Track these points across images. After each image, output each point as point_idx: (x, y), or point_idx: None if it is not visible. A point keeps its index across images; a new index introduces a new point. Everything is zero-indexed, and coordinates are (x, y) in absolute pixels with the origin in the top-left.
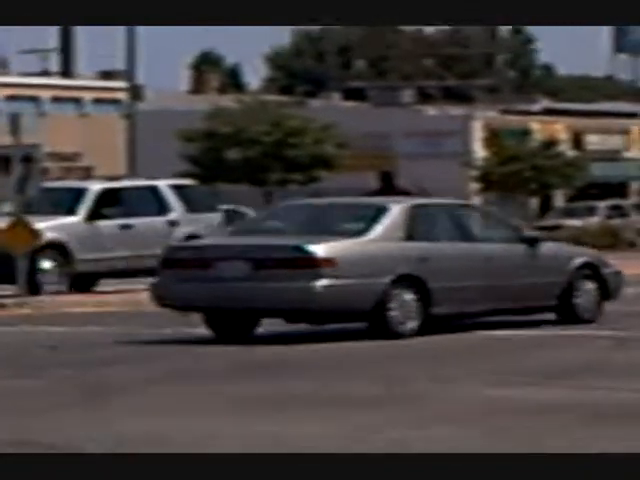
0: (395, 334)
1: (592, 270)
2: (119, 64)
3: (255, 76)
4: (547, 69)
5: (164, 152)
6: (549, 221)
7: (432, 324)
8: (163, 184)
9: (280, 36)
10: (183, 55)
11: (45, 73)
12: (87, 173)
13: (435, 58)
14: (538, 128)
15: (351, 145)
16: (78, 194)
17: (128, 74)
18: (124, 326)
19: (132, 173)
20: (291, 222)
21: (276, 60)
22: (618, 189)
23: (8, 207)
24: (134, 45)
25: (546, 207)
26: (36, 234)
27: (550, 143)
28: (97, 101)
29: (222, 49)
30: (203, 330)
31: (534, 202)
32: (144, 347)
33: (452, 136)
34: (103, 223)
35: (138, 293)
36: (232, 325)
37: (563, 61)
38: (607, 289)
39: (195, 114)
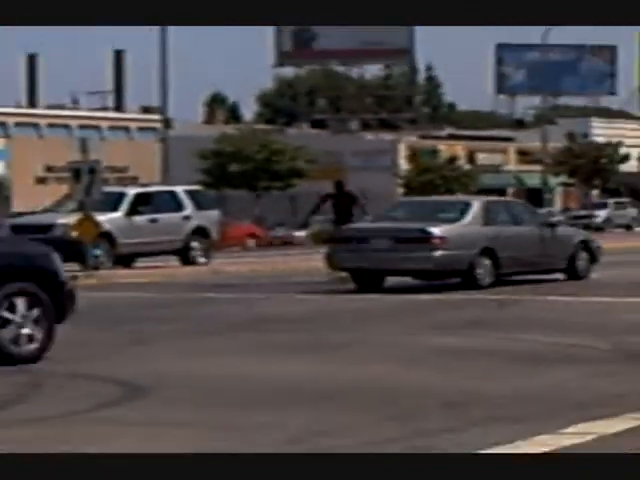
0: (480, 286)
1: (585, 244)
2: (155, 102)
3: (249, 111)
4: (451, 106)
5: (187, 166)
6: None
7: (499, 280)
8: (179, 189)
9: (266, 82)
10: (199, 95)
11: (104, 108)
12: (133, 181)
13: (372, 98)
14: (444, 148)
15: (316, 161)
16: (119, 196)
17: (162, 109)
18: (161, 292)
19: (164, 181)
20: (407, 212)
21: (263, 99)
22: (499, 193)
23: (72, 205)
24: (166, 89)
25: None
26: (98, 226)
27: (452, 159)
28: (140, 129)
29: (226, 91)
30: (219, 294)
31: None
32: (178, 308)
33: (384, 154)
34: (137, 217)
35: (166, 268)
36: (370, 281)
37: (462, 100)
38: (594, 257)
39: (208, 139)
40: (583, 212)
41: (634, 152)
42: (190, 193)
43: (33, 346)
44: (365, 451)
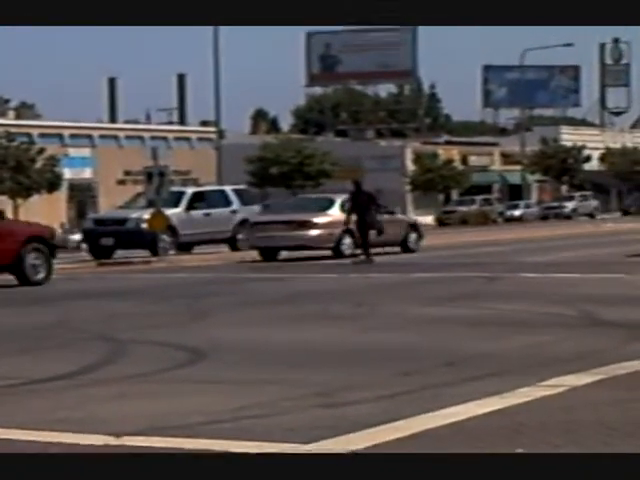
0: None
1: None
2: (211, 116)
3: (286, 123)
4: (447, 117)
5: (237, 169)
6: (449, 208)
7: None
8: (228, 188)
9: (300, 99)
10: (246, 111)
11: (170, 122)
12: (195, 183)
13: (385, 111)
14: (442, 152)
15: (339, 164)
16: (180, 194)
17: (216, 123)
18: (216, 273)
19: (219, 182)
20: None
21: (297, 113)
22: (486, 189)
23: (142, 202)
24: (219, 106)
25: (447, 200)
26: (167, 219)
27: (449, 161)
28: (200, 139)
29: (267, 107)
30: (263, 274)
31: (440, 197)
32: (228, 285)
33: (394, 158)
34: (194, 212)
35: (220, 253)
36: None
37: (456, 112)
38: None
39: (253, 146)
40: (555, 204)
41: (595, 154)
42: (237, 191)
43: None
44: (382, 402)
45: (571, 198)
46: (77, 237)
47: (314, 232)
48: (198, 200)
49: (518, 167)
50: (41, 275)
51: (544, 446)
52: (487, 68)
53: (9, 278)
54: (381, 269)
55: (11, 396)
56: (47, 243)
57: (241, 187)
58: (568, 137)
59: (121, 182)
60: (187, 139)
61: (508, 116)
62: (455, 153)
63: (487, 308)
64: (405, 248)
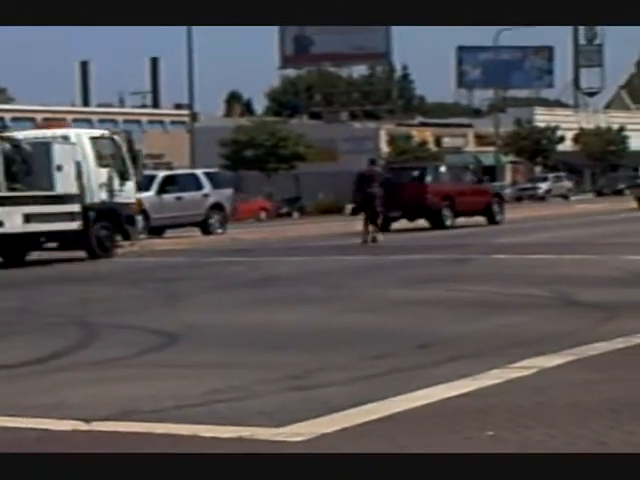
0: None
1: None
2: (184, 99)
3: (260, 106)
4: (421, 99)
5: (210, 152)
6: None
7: None
8: (199, 172)
9: (273, 81)
10: (220, 94)
11: (144, 106)
12: (168, 166)
13: (358, 93)
14: (416, 134)
15: (314, 146)
16: (151, 178)
17: (190, 106)
18: (188, 257)
19: (192, 165)
20: None
21: (271, 96)
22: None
23: None
24: (193, 89)
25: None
26: (140, 202)
27: (423, 143)
28: (173, 122)
29: (241, 90)
30: (236, 257)
31: None
32: (201, 269)
33: (369, 140)
34: (165, 196)
35: (192, 237)
36: None
37: (430, 93)
38: None
39: (227, 129)
40: (529, 184)
41: (568, 134)
42: (208, 174)
43: None
44: (355, 385)
45: (545, 179)
46: None
47: None
48: (169, 184)
49: (492, 148)
50: (499, 217)
51: (515, 428)
52: (461, 49)
53: None
54: (354, 252)
55: None
56: (501, 196)
57: (213, 170)
58: (542, 118)
59: None
60: (160, 122)
61: (482, 97)
62: (429, 134)
63: (461, 290)
64: None
